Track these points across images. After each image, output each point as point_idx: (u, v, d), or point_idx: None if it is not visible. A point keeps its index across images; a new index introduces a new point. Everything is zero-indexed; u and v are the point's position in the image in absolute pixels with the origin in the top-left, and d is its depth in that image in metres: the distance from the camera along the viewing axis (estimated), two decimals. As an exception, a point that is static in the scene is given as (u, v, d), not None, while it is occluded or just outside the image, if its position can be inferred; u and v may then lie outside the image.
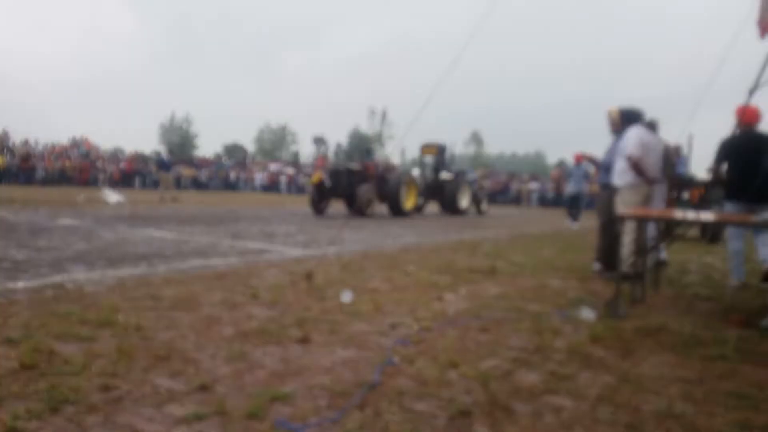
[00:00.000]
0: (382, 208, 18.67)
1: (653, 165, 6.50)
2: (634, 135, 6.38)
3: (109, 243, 8.18)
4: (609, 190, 6.92)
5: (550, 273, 7.12)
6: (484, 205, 23.74)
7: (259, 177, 45.13)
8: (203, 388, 2.91)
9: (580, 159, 15.90)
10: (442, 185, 21.64)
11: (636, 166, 6.33)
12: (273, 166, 49.54)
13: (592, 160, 7.65)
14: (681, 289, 6.36)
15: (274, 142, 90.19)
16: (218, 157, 59.73)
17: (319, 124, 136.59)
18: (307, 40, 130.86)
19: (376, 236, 10.97)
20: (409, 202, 19.14)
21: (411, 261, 7.57)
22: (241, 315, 4.34)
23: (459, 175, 22.10)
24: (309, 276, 5.53)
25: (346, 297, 4.98)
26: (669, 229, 5.88)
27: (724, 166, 6.32)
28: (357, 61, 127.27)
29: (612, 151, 7.01)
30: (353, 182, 17.49)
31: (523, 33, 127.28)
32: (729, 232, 6.96)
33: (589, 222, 18.25)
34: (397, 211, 18.36)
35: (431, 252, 8.73)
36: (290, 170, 47.06)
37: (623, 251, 5.66)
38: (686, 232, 6.96)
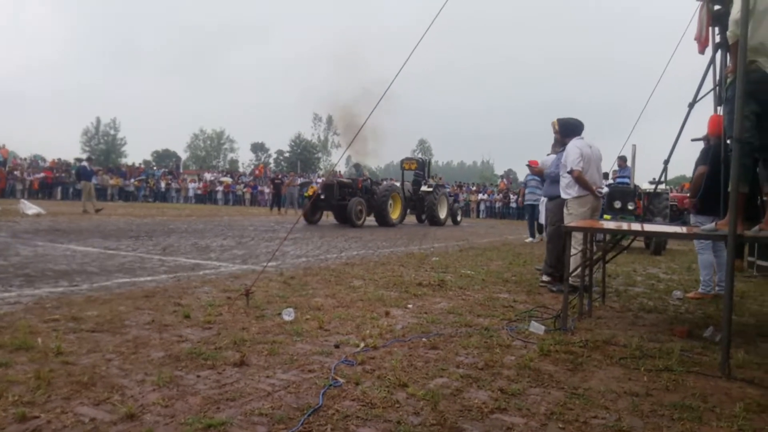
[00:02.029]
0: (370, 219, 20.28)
1: (595, 176, 6.72)
2: (573, 148, 6.59)
3: (27, 259, 7.80)
4: (556, 202, 7.11)
5: (499, 286, 7.24)
6: (459, 216, 26.27)
7: (193, 187, 44.12)
8: (130, 417, 2.79)
9: (535, 164, 15.79)
10: (422, 198, 23.65)
11: (579, 180, 6.53)
12: (208, 175, 48.53)
13: (536, 172, 7.84)
14: (627, 301, 6.57)
15: (209, 150, 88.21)
16: (147, 164, 58.13)
17: (259, 130, 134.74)
18: (247, 39, 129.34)
19: (320, 250, 10.89)
20: (394, 213, 21.44)
21: (356, 275, 7.54)
22: (172, 337, 4.21)
23: (437, 189, 24.21)
24: (247, 293, 5.43)
25: (287, 315, 4.90)
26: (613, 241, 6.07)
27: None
28: (297, 63, 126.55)
29: (557, 163, 7.21)
30: (344, 195, 19.41)
31: (468, 32, 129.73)
32: (697, 245, 7.20)
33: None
34: (384, 221, 20.49)
35: (378, 265, 8.73)
36: (227, 179, 46.24)
37: (571, 263, 5.78)
38: (630, 243, 7.22)
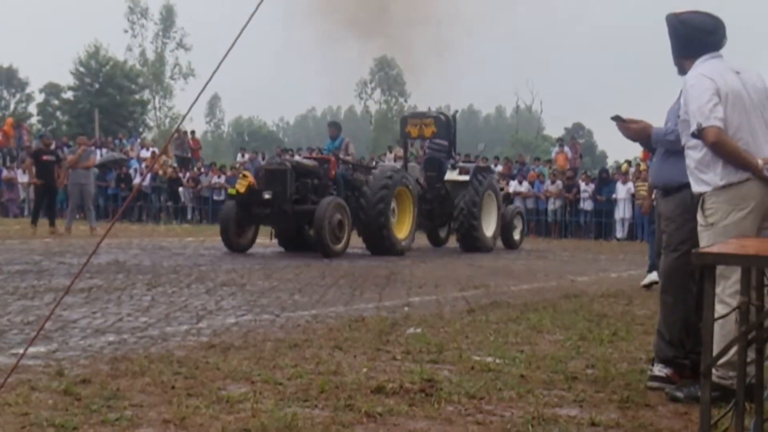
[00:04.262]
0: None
1: (760, 139, 3.73)
2: (697, 82, 3.73)
3: None
4: (678, 200, 4.08)
5: (557, 390, 3.86)
6: (520, 233, 15.29)
7: None
8: None
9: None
10: (446, 196, 13.64)
11: (722, 148, 3.60)
12: None
13: (633, 133, 4.74)
14: None
15: None
16: None
17: (4, 40, 78.85)
18: None
19: (150, 315, 5.76)
20: (401, 227, 12.28)
21: (235, 373, 3.93)
22: None
23: (479, 175, 13.64)
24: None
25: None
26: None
27: None
28: None
29: (674, 116, 4.29)
30: (306, 193, 11.40)
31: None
32: None
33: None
34: (381, 244, 11.77)
35: (285, 348, 4.69)
36: None
37: (715, 336, 3.13)
38: None
